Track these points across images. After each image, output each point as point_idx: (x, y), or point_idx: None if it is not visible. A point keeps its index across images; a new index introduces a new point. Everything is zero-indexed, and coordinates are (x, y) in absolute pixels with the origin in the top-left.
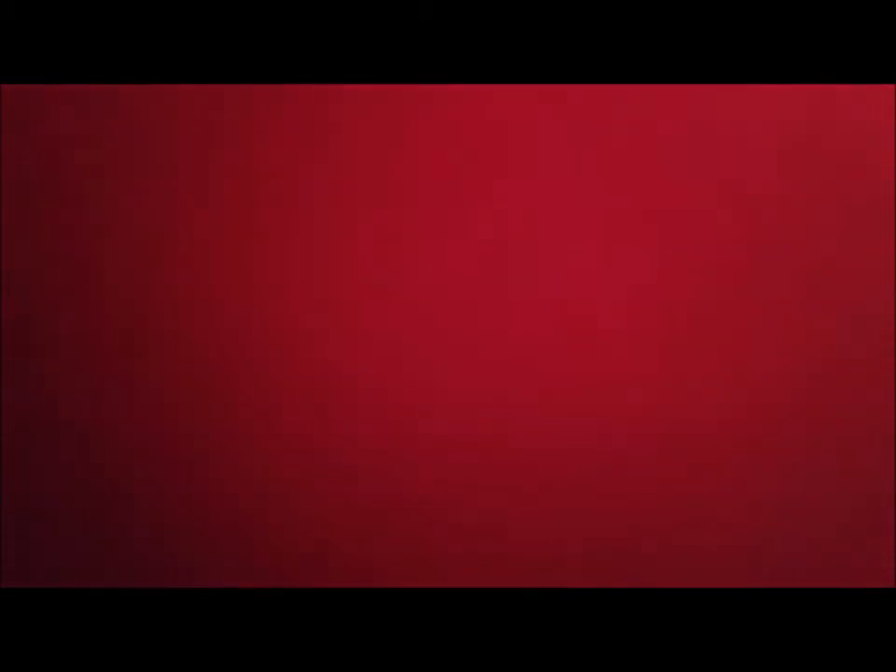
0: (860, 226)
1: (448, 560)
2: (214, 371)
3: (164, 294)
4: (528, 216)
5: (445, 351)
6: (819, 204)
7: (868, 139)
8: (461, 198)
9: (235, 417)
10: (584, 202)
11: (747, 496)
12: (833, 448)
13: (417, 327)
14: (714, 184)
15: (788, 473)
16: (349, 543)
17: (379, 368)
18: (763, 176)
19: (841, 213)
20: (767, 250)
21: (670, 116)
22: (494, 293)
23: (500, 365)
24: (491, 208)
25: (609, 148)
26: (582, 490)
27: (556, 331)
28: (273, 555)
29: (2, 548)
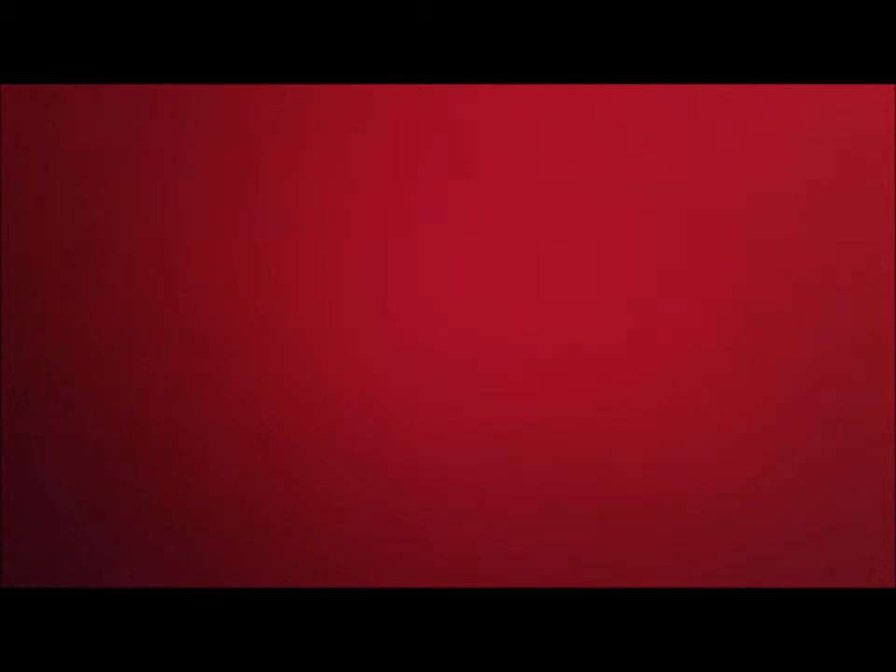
0: (860, 226)
1: (447, 560)
2: (214, 371)
3: (163, 292)
4: (528, 215)
5: (444, 351)
6: (819, 204)
7: (868, 139)
8: (460, 197)
9: (237, 418)
10: (585, 201)
11: (747, 496)
12: (833, 449)
13: (416, 327)
14: (713, 183)
15: (788, 474)
16: (348, 543)
17: (378, 368)
18: (763, 176)
19: (841, 213)
20: (767, 250)
21: (670, 116)
22: (493, 292)
23: (500, 364)
24: (490, 207)
25: (609, 148)
26: (582, 490)
27: (555, 331)
28: (271, 555)
29: (2, 548)
